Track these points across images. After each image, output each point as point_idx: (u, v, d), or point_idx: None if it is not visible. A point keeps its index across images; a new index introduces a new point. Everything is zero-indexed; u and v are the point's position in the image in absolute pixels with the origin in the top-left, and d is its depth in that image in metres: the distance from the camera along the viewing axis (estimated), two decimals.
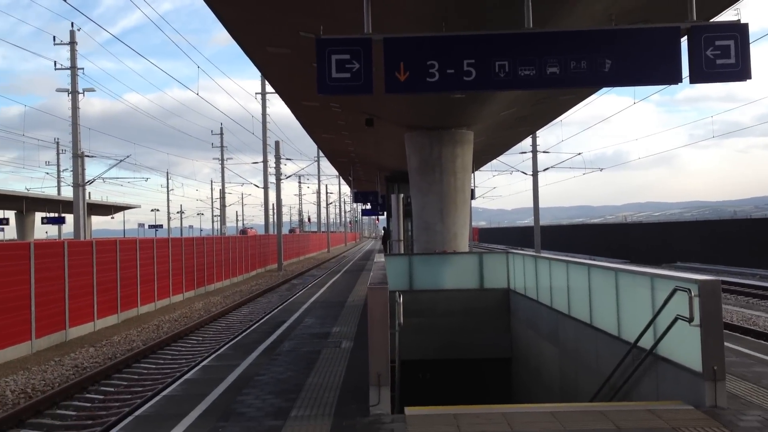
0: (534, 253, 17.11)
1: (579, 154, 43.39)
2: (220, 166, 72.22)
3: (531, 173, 44.22)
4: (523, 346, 16.21)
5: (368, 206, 52.16)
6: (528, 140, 41.53)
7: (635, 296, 8.91)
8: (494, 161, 41.74)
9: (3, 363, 15.82)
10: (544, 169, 44.42)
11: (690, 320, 7.05)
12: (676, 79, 8.31)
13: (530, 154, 43.74)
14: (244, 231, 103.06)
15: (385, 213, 49.64)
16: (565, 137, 39.89)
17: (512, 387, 17.30)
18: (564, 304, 12.41)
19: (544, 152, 44.36)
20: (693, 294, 7.05)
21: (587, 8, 10.83)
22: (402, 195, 40.78)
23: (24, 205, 62.60)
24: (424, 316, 17.57)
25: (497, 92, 15.61)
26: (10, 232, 67.22)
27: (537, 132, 37.37)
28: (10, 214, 64.39)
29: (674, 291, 7.46)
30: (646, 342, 8.26)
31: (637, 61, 8.16)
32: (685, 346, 7.44)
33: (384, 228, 53.85)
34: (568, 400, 11.67)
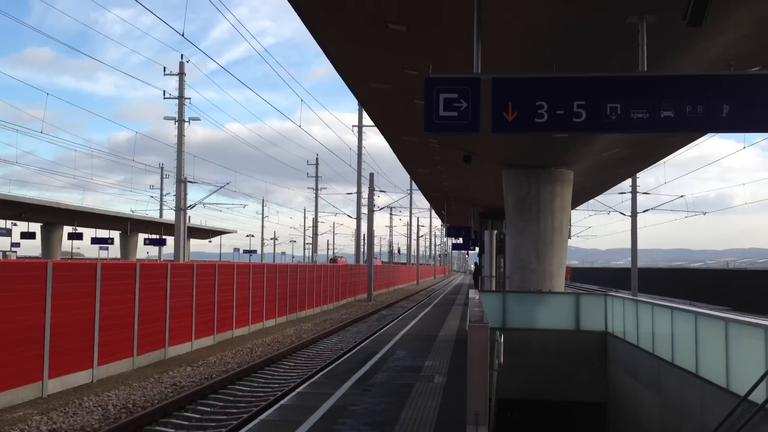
0: (634, 297, 16.68)
1: (681, 196, 42.15)
2: (314, 195, 73.60)
3: (629, 214, 43.16)
4: (620, 391, 15.76)
5: (460, 241, 52.04)
6: (627, 180, 40.63)
7: (747, 348, 8.58)
8: (591, 200, 41.02)
9: (105, 378, 16.45)
10: (644, 211, 43.31)
11: None
12: None
13: (629, 195, 42.73)
14: (334, 259, 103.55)
15: (477, 248, 49.37)
16: (666, 179, 38.63)
17: None
18: (667, 351, 12.04)
19: (644, 193, 43.29)
20: None
21: (703, 52, 10.63)
22: (495, 231, 40.49)
23: (128, 226, 65.32)
24: (516, 354, 17.34)
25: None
26: (114, 251, 70.18)
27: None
28: (115, 234, 67.27)
29: None
30: (758, 396, 7.92)
31: (757, 107, 7.92)
32: None
33: (475, 263, 53.50)
34: None
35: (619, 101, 8.12)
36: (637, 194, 42.66)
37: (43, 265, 14.64)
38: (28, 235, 57.28)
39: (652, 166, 26.49)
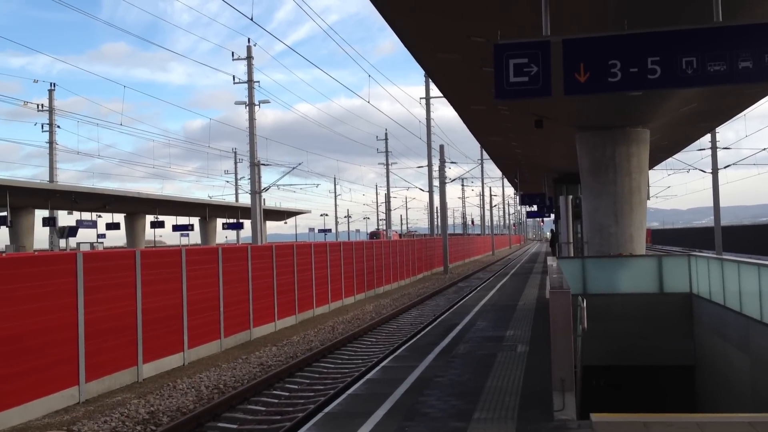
0: (718, 256, 16.25)
1: (764, 149, 40.59)
2: (385, 170, 73.81)
3: (710, 171, 41.88)
4: (708, 353, 15.43)
5: (534, 208, 51.46)
6: (707, 136, 39.35)
7: None
8: (669, 159, 39.94)
9: (196, 360, 16.99)
10: (725, 167, 41.91)
11: None
12: None
13: (709, 151, 41.43)
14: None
15: (553, 215, 48.71)
16: (747, 132, 37.27)
17: (696, 396, 16.49)
18: (755, 309, 11.72)
19: (724, 148, 41.88)
20: None
21: None
22: (571, 196, 39.86)
23: (207, 211, 66.90)
24: (599, 320, 17.11)
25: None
26: (195, 237, 72.01)
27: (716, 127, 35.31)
28: (195, 221, 69.00)
29: None
30: None
31: None
32: None
33: (551, 230, 52.87)
34: (762, 411, 11.00)
35: (694, 54, 7.89)
36: (717, 150, 41.34)
37: (131, 253, 15.18)
38: (113, 226, 59.27)
39: (731, 119, 25.58)
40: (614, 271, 18.68)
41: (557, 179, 39.97)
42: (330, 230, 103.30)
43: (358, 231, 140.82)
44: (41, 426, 11.20)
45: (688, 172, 46.22)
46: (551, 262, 16.33)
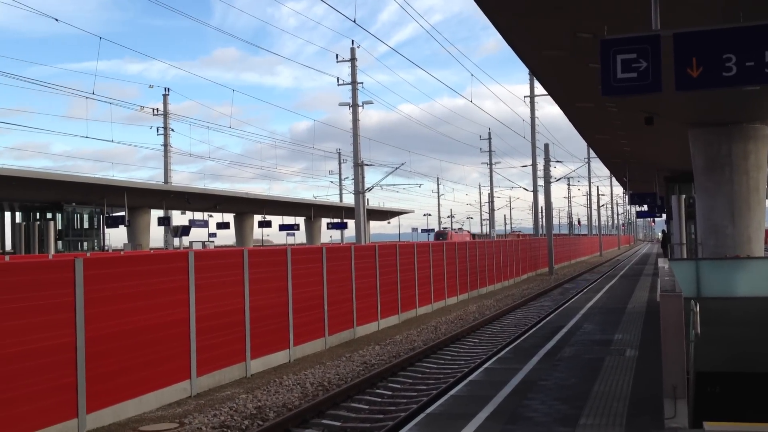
0: None
1: None
2: (488, 170, 73.25)
3: None
4: None
5: (644, 208, 49.83)
6: None
7: None
8: None
9: (302, 357, 17.32)
10: None
11: None
12: None
13: None
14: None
15: (664, 215, 47.07)
16: None
17: None
18: None
19: None
20: None
21: None
22: (683, 196, 38.40)
23: (312, 211, 68.26)
24: (713, 325, 16.32)
25: None
26: (300, 237, 73.62)
27: None
28: (300, 220, 70.57)
29: None
30: None
31: None
32: None
33: (663, 231, 51.11)
34: None
35: None
36: None
37: (239, 252, 15.63)
38: (223, 225, 61.39)
39: None
40: (731, 273, 17.86)
41: (669, 178, 38.56)
42: (433, 230, 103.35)
43: (461, 229, 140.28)
44: (155, 418, 11.68)
45: None
46: (662, 263, 15.77)
